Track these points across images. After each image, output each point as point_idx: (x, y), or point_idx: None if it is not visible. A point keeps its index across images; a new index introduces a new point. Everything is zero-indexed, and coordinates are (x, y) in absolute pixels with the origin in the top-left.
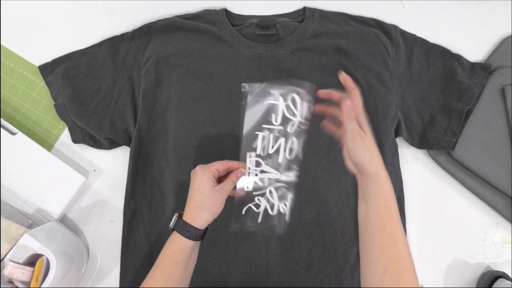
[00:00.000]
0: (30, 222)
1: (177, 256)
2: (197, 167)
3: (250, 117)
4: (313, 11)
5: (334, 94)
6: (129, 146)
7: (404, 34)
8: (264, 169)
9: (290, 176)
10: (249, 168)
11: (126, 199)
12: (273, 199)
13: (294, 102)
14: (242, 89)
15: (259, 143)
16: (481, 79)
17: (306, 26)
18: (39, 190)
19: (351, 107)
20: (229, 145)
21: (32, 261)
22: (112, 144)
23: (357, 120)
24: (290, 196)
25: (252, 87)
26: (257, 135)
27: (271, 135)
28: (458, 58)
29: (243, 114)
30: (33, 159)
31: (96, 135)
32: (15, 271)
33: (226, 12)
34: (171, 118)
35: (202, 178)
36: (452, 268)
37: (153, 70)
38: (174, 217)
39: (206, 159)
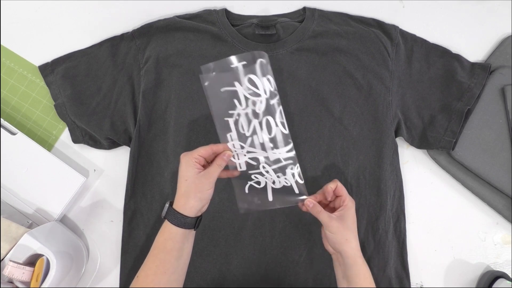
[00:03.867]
0: (30, 222)
1: (167, 243)
2: (182, 155)
3: (216, 105)
4: (313, 11)
5: (318, 196)
6: (129, 146)
7: (404, 34)
8: (249, 150)
9: (281, 152)
10: (235, 151)
11: (126, 199)
12: (272, 176)
13: (252, 82)
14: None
15: (232, 128)
16: (481, 79)
17: (306, 26)
18: (39, 190)
19: (311, 205)
20: None
21: (32, 261)
22: (112, 144)
23: (336, 203)
24: (289, 170)
25: (205, 77)
26: (227, 121)
27: (242, 118)
28: (458, 58)
29: (208, 103)
30: (33, 159)
31: (96, 135)
32: (15, 271)
33: (226, 12)
34: (171, 118)
35: (186, 165)
36: (452, 268)
37: (153, 70)
38: (166, 205)
39: None
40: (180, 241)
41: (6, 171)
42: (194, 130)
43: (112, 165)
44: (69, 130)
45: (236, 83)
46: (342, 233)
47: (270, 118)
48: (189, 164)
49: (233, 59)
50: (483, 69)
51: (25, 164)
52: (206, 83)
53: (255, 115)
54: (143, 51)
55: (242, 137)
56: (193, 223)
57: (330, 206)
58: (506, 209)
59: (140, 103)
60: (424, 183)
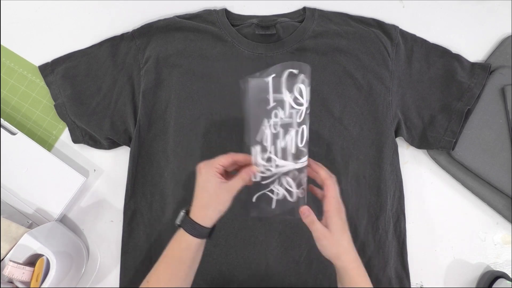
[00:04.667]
0: (30, 222)
1: (183, 254)
2: (201, 164)
3: (254, 111)
4: (313, 11)
5: (318, 193)
6: (129, 146)
7: (404, 34)
8: (278, 164)
9: (303, 161)
10: (256, 162)
11: (126, 199)
12: (291, 187)
13: (300, 92)
14: (241, 86)
15: (267, 136)
16: (481, 79)
17: (306, 26)
18: (39, 190)
19: (306, 213)
20: (229, 145)
21: (32, 261)
22: (112, 144)
23: (328, 213)
24: (305, 179)
25: (248, 83)
26: (263, 128)
27: (279, 127)
28: (458, 58)
29: (244, 109)
30: (33, 159)
31: (96, 135)
32: (15, 271)
33: (226, 12)
34: (171, 118)
35: (207, 176)
36: (452, 268)
37: (153, 70)
38: (181, 214)
39: (206, 159)
40: (195, 251)
41: (6, 171)
42: (194, 130)
43: (112, 165)
44: (69, 130)
45: (285, 91)
46: (333, 247)
47: (305, 128)
48: (210, 174)
49: (280, 66)
50: (483, 69)
51: (25, 164)
52: (248, 86)
53: (294, 124)
54: (143, 51)
55: (272, 147)
56: (209, 232)
57: None
58: (506, 209)
59: (140, 103)
60: (424, 183)
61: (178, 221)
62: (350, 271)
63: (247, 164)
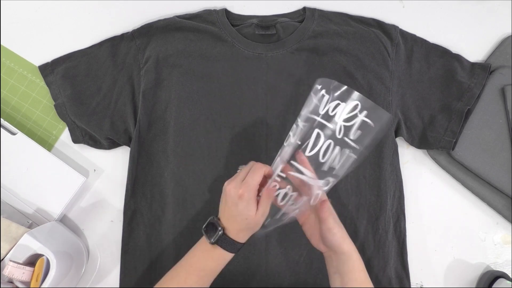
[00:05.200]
0: (30, 222)
1: (219, 269)
2: (241, 190)
3: (310, 108)
4: (313, 11)
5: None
6: (129, 146)
7: (404, 34)
8: (306, 173)
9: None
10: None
11: (126, 199)
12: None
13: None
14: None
15: (312, 142)
16: (481, 79)
17: (306, 26)
18: (39, 190)
19: (324, 201)
20: (229, 145)
21: (32, 261)
22: (112, 144)
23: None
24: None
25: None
26: (316, 132)
27: (326, 138)
28: (458, 58)
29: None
30: (33, 159)
31: (96, 135)
32: (15, 271)
33: (226, 12)
34: (171, 118)
35: (248, 203)
36: (452, 268)
37: (153, 70)
38: (218, 232)
39: (206, 159)
40: (226, 263)
41: (6, 171)
42: (194, 130)
43: (112, 165)
44: (69, 130)
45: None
46: (341, 232)
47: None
48: (251, 203)
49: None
50: (483, 69)
51: (25, 164)
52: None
53: (339, 141)
54: (143, 51)
55: (313, 154)
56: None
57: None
58: (506, 209)
59: (140, 103)
60: (424, 183)
61: (213, 240)
62: (355, 254)
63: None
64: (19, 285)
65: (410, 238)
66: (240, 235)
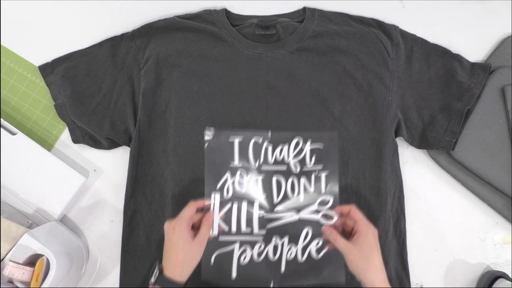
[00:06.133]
0: (30, 222)
1: None
2: (172, 223)
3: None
4: (313, 11)
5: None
6: (129, 146)
7: (404, 34)
8: (272, 217)
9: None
10: (214, 207)
11: (126, 199)
12: (269, 246)
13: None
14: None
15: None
16: (481, 79)
17: (306, 26)
18: (39, 190)
19: (328, 231)
20: None
21: (32, 261)
22: (112, 144)
23: (359, 232)
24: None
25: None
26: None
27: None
28: (458, 58)
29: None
30: (33, 159)
31: (96, 135)
32: (15, 271)
33: (226, 12)
34: (171, 118)
35: (180, 233)
36: (452, 268)
37: (153, 70)
38: (155, 272)
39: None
40: None
41: (6, 171)
42: (194, 130)
43: (112, 165)
44: (69, 130)
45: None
46: (359, 262)
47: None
48: (184, 231)
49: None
50: (483, 69)
51: (25, 164)
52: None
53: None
54: (143, 51)
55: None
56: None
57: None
58: (506, 209)
59: (140, 103)
60: (424, 183)
61: (152, 280)
62: None
63: (206, 211)
64: (19, 285)
65: (410, 238)
66: (177, 271)
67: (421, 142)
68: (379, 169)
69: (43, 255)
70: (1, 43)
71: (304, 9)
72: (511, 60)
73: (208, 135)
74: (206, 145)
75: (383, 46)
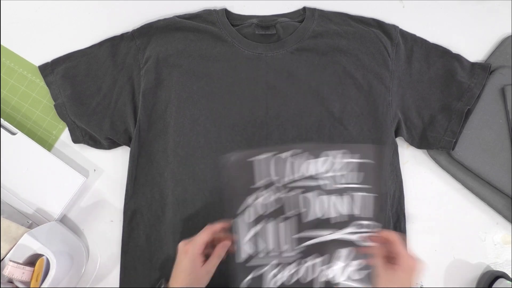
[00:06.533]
0: (30, 222)
1: None
2: (186, 246)
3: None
4: (313, 11)
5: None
6: (129, 146)
7: (404, 34)
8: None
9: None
10: (238, 230)
11: (126, 199)
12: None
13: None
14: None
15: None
16: (481, 79)
17: (306, 26)
18: (39, 190)
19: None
20: (229, 145)
21: (32, 261)
22: (112, 144)
23: (401, 261)
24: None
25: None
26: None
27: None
28: (458, 58)
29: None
30: (33, 159)
31: (96, 135)
32: (15, 271)
33: (226, 12)
34: (171, 118)
35: (191, 258)
36: (452, 268)
37: (153, 70)
38: None
39: (206, 160)
40: None
41: (6, 171)
42: (194, 130)
43: (112, 165)
44: (69, 130)
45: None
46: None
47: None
48: (196, 257)
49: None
50: (483, 69)
51: (25, 164)
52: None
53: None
54: (143, 51)
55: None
56: None
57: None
58: (506, 209)
59: (140, 103)
60: (424, 183)
61: None
62: None
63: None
64: (19, 285)
65: (410, 238)
66: None
67: (421, 142)
68: (379, 169)
69: (43, 255)
70: (1, 43)
71: (304, 9)
72: (511, 60)
73: (225, 158)
74: (222, 169)
75: (383, 46)
